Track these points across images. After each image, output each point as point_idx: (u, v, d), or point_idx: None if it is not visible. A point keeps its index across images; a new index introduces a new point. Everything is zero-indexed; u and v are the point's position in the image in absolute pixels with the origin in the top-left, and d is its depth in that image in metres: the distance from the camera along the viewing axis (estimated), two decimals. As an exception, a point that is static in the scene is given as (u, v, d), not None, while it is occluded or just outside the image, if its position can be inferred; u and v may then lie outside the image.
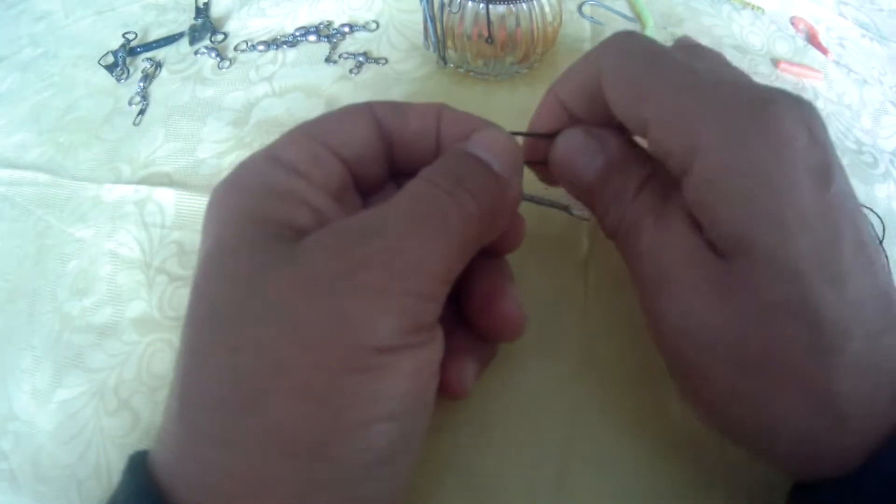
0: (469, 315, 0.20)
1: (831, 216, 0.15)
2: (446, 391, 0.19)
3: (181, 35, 0.37)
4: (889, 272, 0.16)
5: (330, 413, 0.14)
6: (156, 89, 0.34)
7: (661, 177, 0.19)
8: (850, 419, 0.15)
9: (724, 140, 0.16)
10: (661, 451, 0.22)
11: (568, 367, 0.23)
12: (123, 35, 0.36)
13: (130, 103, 0.33)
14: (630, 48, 0.19)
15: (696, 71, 0.17)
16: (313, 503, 0.14)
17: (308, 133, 0.18)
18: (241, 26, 0.37)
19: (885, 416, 0.15)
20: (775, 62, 0.37)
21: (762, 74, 0.36)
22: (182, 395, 0.15)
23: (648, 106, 0.17)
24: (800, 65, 0.37)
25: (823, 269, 0.15)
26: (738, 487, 0.21)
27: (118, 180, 0.30)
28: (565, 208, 0.23)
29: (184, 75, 0.35)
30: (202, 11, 0.38)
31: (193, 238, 0.28)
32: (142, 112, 0.33)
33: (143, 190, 0.29)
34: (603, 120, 0.20)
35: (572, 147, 0.20)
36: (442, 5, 0.30)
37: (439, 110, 0.20)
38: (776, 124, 0.15)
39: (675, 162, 0.17)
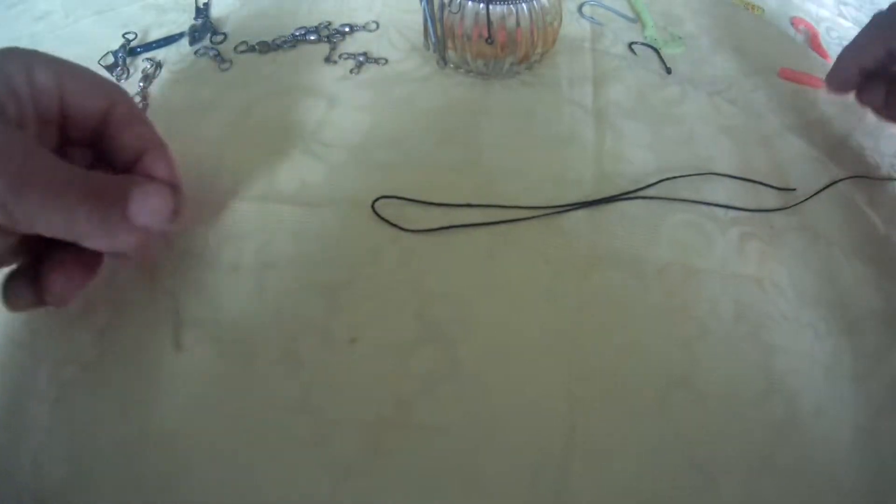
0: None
1: None
2: (51, 300, 0.21)
3: (181, 35, 0.37)
4: None
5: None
6: (156, 89, 0.34)
7: None
8: None
9: None
10: (663, 448, 0.22)
11: (568, 368, 0.23)
12: (123, 35, 0.36)
13: (130, 103, 0.33)
14: None
15: None
16: None
17: (70, 70, 0.22)
18: (241, 26, 0.37)
19: None
20: (776, 68, 0.37)
21: (762, 76, 0.36)
22: None
23: None
24: (801, 72, 0.37)
25: None
26: (740, 485, 0.21)
27: (118, 180, 0.30)
28: None
29: (184, 75, 0.34)
30: (202, 12, 0.38)
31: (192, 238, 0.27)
32: (141, 112, 0.33)
33: (143, 190, 0.29)
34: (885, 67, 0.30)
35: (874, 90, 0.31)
36: (442, 5, 0.30)
37: (153, 146, 0.24)
38: None
39: None
